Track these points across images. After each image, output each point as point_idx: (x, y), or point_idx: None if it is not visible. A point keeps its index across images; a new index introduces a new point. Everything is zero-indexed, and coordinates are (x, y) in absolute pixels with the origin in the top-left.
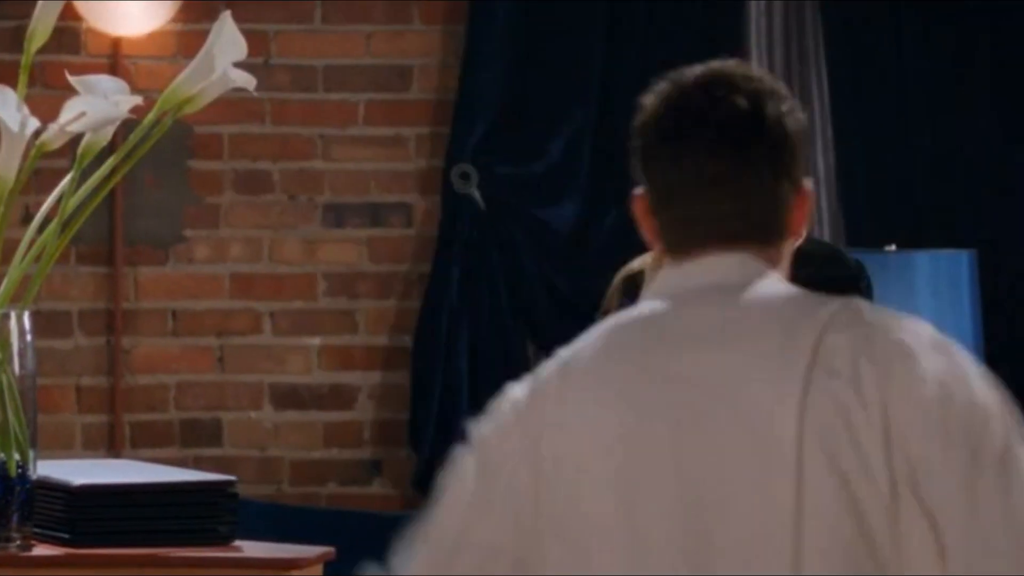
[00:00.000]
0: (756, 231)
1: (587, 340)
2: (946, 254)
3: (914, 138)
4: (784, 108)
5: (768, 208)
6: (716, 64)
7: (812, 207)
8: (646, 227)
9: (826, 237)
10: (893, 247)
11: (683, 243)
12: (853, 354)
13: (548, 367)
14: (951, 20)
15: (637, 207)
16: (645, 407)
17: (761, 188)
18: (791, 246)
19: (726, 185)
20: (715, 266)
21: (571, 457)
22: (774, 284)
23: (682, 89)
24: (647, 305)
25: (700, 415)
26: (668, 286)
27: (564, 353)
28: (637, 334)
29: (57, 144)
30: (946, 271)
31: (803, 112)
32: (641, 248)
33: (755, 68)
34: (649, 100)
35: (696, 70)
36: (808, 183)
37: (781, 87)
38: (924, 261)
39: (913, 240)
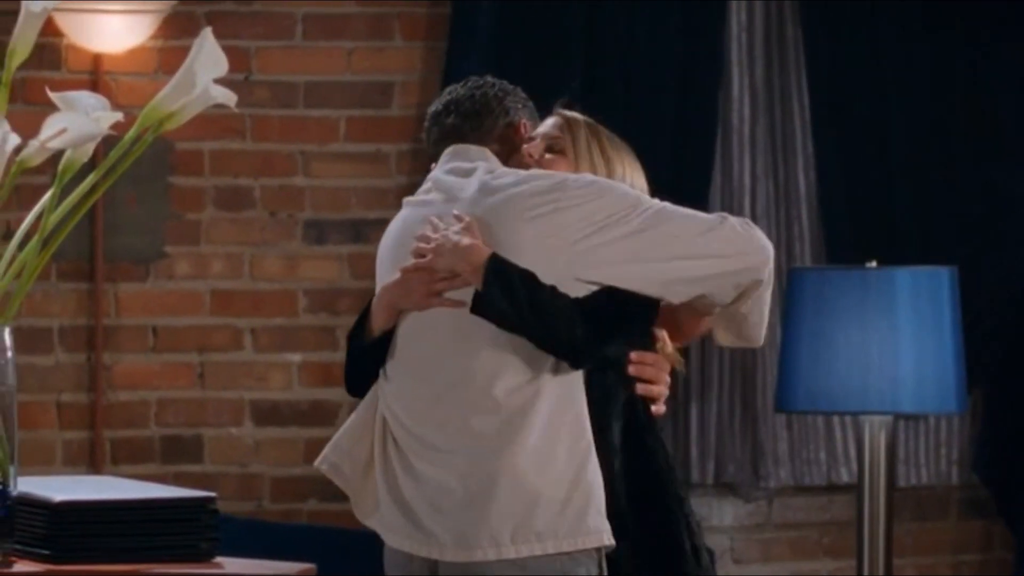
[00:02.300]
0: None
1: None
2: (927, 271)
3: (894, 155)
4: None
5: None
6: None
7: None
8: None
9: (807, 254)
10: (874, 264)
11: None
12: None
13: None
14: (930, 37)
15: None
16: None
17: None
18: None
19: None
20: None
21: None
22: None
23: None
24: None
25: None
26: None
27: None
28: None
29: (38, 160)
30: (927, 288)
31: (783, 129)
32: None
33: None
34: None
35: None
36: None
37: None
38: (905, 278)
39: (894, 257)
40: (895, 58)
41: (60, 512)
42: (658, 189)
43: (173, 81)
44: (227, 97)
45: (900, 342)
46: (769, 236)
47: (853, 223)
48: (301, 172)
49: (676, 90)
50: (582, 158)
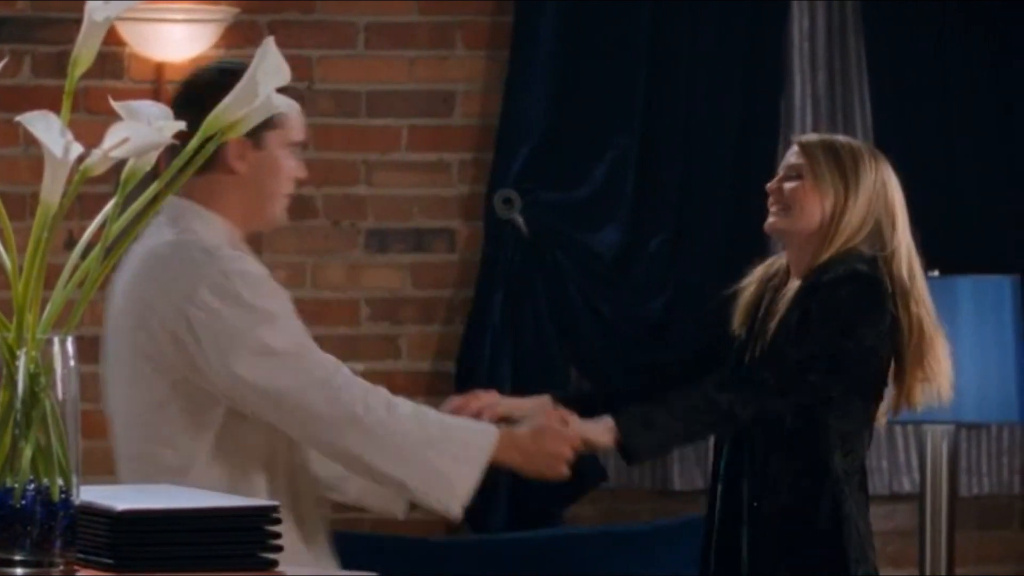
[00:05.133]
0: None
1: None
2: (989, 279)
3: (957, 163)
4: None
5: None
6: None
7: None
8: None
9: None
10: (936, 272)
11: None
12: None
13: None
14: (995, 41)
15: None
16: None
17: None
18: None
19: None
20: None
21: None
22: None
23: None
24: None
25: None
26: None
27: None
28: None
29: (101, 170)
30: (989, 296)
31: None
32: (684, 274)
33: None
34: None
35: None
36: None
37: None
38: (967, 286)
39: (956, 265)
40: (958, 65)
41: (123, 521)
42: (721, 196)
43: (235, 90)
44: (289, 106)
45: (962, 351)
46: None
47: (914, 231)
48: (363, 181)
49: (739, 98)
50: (822, 180)
